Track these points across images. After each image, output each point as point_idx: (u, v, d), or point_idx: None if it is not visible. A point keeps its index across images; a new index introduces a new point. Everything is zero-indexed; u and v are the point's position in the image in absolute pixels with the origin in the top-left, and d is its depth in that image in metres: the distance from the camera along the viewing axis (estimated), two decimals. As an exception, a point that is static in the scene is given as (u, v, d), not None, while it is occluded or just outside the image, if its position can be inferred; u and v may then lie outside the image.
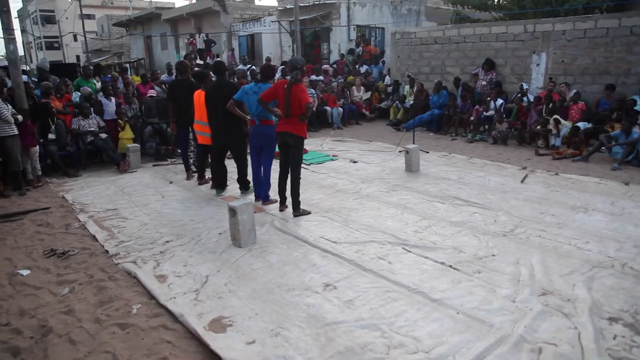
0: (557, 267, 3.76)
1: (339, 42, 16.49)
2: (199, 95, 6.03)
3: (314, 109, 10.24)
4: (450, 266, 3.81)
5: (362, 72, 14.02)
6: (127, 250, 4.34)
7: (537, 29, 9.97)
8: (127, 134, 8.36)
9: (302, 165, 5.24)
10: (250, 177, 5.76)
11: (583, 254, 4.02)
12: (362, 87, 12.88)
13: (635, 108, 7.90)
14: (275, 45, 18.82)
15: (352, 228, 4.72)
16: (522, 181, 6.39)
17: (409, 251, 4.12)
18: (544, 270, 3.71)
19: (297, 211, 5.09)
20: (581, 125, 8.15)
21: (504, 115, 9.43)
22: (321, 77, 12.97)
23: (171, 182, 6.81)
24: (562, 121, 8.44)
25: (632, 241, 4.26)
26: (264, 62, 13.83)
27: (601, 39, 9.06)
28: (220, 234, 4.64)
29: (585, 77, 9.39)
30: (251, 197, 5.63)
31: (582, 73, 9.41)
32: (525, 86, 9.89)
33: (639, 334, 2.87)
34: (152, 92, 9.33)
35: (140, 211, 5.52)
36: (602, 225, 4.68)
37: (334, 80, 12.92)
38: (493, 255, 4.01)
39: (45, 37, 45.09)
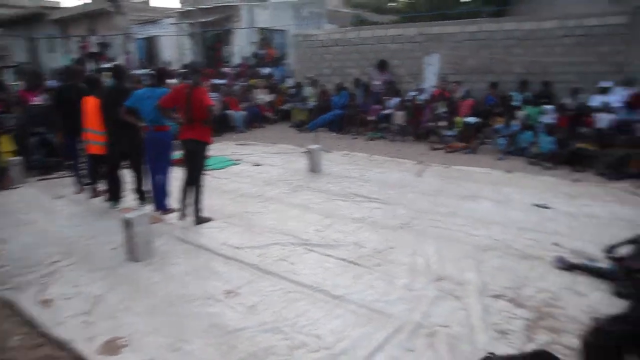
0: (450, 254, 4.01)
1: (241, 44, 16.29)
2: (89, 102, 5.61)
3: (216, 113, 10.00)
4: (352, 262, 3.90)
5: (264, 74, 13.97)
6: (6, 276, 3.89)
7: (430, 32, 10.60)
8: (6, 146, 7.55)
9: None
10: (148, 187, 5.46)
11: (473, 239, 4.34)
12: (265, 90, 12.83)
13: (513, 104, 8.70)
14: (175, 49, 18.15)
15: (254, 232, 4.66)
16: (419, 175, 6.74)
17: (311, 250, 4.16)
18: (439, 258, 3.94)
19: (199, 219, 4.92)
20: (471, 120, 8.80)
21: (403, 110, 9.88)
22: (224, 81, 12.72)
23: (60, 197, 6.26)
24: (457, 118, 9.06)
25: (513, 224, 4.68)
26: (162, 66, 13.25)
27: (486, 41, 9.85)
28: (114, 248, 4.33)
29: (474, 76, 10.12)
30: (150, 207, 5.34)
31: (471, 72, 10.15)
32: (422, 85, 10.46)
33: (519, 307, 3.15)
34: (36, 100, 8.55)
35: (24, 231, 5.00)
36: (489, 212, 5.08)
37: (236, 83, 12.73)
38: (392, 248, 4.17)
39: None
